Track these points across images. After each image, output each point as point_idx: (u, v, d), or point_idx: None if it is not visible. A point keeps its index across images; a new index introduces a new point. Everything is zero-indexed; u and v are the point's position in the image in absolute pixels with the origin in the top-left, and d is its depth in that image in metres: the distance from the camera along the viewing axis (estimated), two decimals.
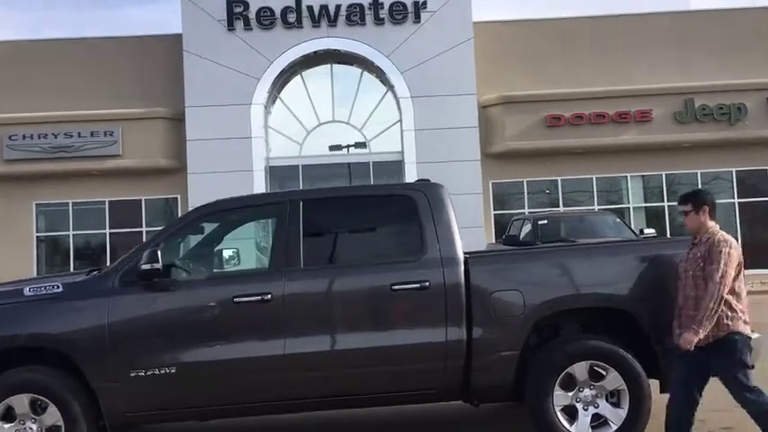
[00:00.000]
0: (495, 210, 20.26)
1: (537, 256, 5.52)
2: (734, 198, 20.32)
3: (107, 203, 20.30)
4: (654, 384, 5.11)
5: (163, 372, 4.92)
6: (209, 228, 5.55)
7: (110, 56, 20.29)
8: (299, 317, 5.04)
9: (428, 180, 5.62)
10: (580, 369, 5.03)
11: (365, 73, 20.50)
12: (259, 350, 4.97)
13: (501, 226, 19.24)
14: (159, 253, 4.90)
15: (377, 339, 4.98)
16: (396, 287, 4.98)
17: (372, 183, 19.25)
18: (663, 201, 20.40)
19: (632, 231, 12.53)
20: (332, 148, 20.66)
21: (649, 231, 12.92)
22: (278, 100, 20.54)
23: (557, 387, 5.02)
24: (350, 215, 5.46)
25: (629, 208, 20.46)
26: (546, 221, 12.68)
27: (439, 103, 19.24)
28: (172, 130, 19.83)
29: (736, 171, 20.36)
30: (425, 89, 19.37)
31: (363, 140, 20.58)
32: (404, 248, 5.25)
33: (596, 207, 19.52)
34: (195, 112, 19.36)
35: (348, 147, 20.76)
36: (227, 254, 6.20)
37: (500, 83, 19.78)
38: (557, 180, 20.39)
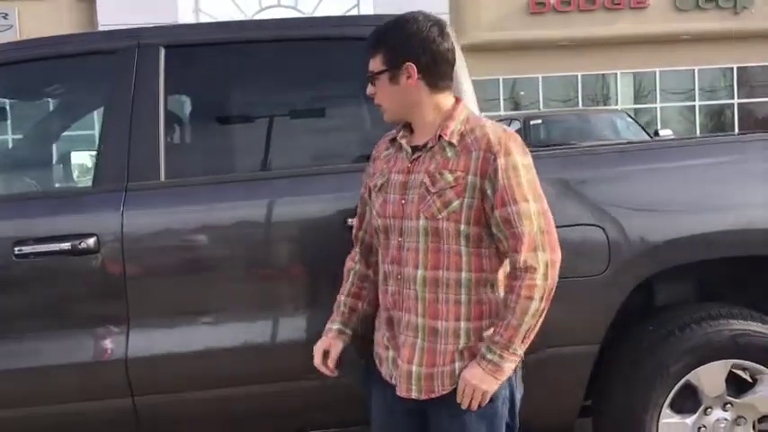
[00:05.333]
0: None
1: (641, 156, 2.84)
2: (734, 99, 18.61)
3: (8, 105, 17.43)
4: None
5: None
6: None
7: None
8: (158, 284, 2.51)
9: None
10: (710, 376, 2.62)
11: None
12: (73, 354, 2.44)
13: None
14: None
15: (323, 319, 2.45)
16: (351, 220, 2.35)
17: None
18: (655, 102, 18.60)
19: (647, 134, 10.16)
20: None
21: (666, 133, 10.57)
22: None
23: (665, 408, 2.63)
24: (264, 77, 2.79)
25: (616, 110, 18.39)
26: (540, 121, 10.23)
27: None
28: (80, 13, 17.29)
29: (737, 67, 18.52)
30: None
31: None
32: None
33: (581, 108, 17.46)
34: None
35: None
36: (79, 160, 3.73)
37: None
38: (537, 78, 18.21)
